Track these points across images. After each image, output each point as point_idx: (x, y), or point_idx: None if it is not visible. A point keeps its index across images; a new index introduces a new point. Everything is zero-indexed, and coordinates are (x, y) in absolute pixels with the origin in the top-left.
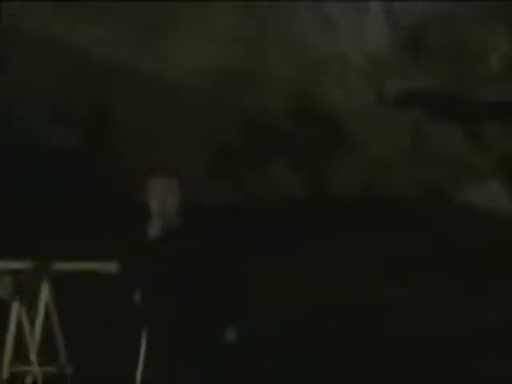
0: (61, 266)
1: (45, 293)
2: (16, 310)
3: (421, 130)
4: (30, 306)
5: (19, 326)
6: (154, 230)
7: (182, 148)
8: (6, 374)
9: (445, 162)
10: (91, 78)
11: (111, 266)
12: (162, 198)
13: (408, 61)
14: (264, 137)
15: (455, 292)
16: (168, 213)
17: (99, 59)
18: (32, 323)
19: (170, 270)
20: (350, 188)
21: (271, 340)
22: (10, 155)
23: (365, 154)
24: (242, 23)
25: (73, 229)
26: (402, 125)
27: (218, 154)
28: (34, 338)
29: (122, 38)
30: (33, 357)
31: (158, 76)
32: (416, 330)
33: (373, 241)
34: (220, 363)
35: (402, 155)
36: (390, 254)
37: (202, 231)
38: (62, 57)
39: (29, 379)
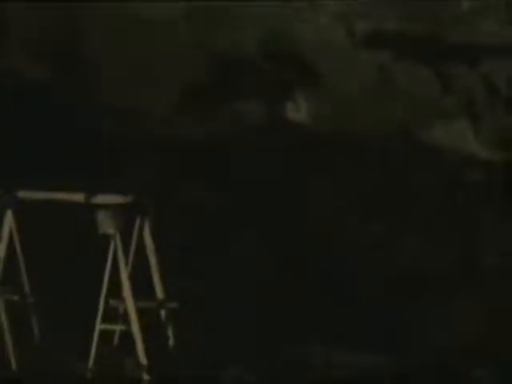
0: (24, 194)
1: (8, 221)
2: None
3: (388, 70)
4: None
5: None
6: None
7: (154, 84)
8: None
9: (411, 101)
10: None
11: (77, 197)
12: None
13: (378, 2)
14: (233, 74)
15: (416, 229)
16: None
17: None
18: None
19: None
20: (318, 126)
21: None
22: None
23: (333, 93)
24: None
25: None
26: (369, 64)
27: (189, 91)
28: None
29: None
30: None
31: (129, 12)
32: (378, 264)
33: (338, 179)
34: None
35: (369, 94)
36: (355, 191)
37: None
38: None
39: None
